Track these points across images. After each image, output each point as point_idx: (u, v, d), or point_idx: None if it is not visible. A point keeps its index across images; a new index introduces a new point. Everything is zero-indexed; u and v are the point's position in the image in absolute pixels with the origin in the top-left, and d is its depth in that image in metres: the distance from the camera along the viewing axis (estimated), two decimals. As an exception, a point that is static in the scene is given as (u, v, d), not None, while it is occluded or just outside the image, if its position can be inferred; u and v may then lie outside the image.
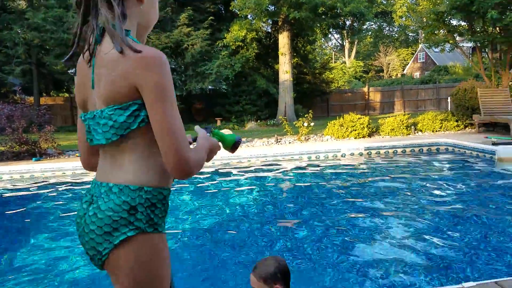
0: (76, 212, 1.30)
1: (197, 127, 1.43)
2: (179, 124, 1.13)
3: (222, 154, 9.29)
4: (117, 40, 1.11)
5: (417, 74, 39.47)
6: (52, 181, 8.08)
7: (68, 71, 17.93)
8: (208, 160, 1.34)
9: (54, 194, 7.06)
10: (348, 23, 25.78)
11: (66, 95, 23.76)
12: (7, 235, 5.20)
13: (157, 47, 18.25)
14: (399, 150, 9.57)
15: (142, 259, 1.15)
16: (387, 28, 49.67)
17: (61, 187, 7.51)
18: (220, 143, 1.46)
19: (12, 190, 7.60)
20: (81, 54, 1.25)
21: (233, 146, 1.51)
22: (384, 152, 9.50)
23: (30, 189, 7.60)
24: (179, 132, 1.12)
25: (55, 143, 10.25)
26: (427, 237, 4.35)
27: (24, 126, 9.93)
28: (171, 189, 1.28)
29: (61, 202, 6.46)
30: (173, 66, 19.90)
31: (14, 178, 8.39)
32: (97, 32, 1.17)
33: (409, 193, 6.18)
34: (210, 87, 19.06)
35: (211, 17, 19.21)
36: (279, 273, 1.96)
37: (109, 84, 1.13)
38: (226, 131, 1.57)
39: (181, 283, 3.52)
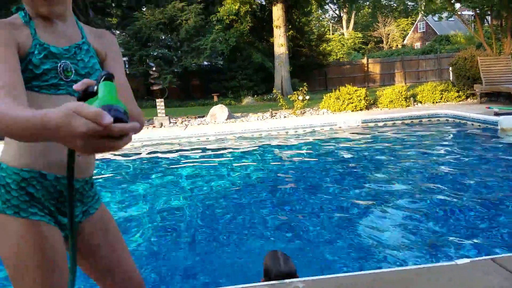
0: None
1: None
2: None
3: (216, 129, 9.09)
4: None
5: (417, 45, 38.68)
6: None
7: None
8: (38, 135, 0.80)
9: None
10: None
11: None
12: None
13: (152, 23, 17.88)
14: (397, 123, 9.30)
15: None
16: (385, -3, 48.37)
17: None
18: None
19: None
20: None
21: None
22: (382, 125, 9.24)
23: None
24: None
25: None
26: (424, 211, 4.18)
27: None
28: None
29: None
30: (168, 43, 19.50)
31: None
32: None
33: (407, 167, 5.97)
34: (205, 62, 18.71)
35: (203, -10, 18.72)
36: (265, 271, 2.25)
37: None
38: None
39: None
